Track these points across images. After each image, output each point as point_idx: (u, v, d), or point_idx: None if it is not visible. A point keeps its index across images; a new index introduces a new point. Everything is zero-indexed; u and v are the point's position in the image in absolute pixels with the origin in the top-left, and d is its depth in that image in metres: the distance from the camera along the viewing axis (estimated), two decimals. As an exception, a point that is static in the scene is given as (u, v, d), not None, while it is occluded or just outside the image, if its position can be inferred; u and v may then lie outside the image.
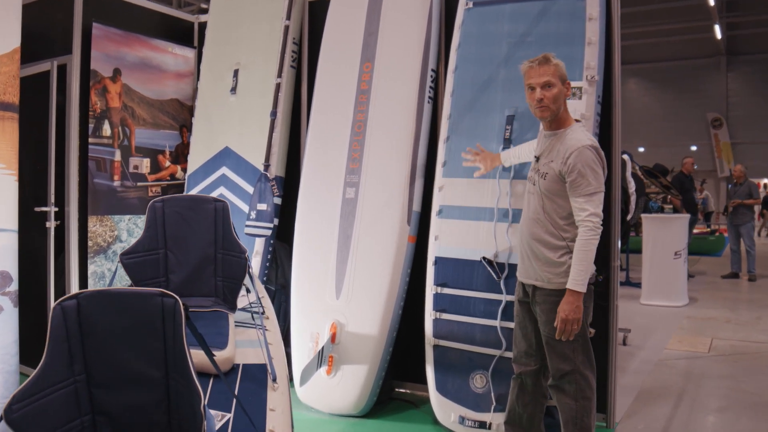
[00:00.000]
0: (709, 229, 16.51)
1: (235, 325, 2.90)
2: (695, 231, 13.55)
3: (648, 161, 14.24)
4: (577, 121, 2.98)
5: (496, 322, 3.43)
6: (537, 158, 2.89)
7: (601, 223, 2.70)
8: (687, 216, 8.43)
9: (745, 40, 26.10)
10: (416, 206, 3.92)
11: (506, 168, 3.51)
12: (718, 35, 23.76)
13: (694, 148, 26.76)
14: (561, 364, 2.81)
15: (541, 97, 2.77)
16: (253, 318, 2.87)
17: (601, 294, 3.69)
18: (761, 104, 25.89)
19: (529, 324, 2.96)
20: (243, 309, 3.10)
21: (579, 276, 2.69)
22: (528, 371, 2.99)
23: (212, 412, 2.14)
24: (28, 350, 3.73)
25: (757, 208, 13.96)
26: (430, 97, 4.02)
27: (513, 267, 3.30)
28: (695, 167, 10.63)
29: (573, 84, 3.42)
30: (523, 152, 3.32)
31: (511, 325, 3.24)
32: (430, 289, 3.67)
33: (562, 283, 2.75)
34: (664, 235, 7.96)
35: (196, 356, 2.23)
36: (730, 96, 26.90)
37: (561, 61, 2.85)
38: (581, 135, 2.80)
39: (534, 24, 3.61)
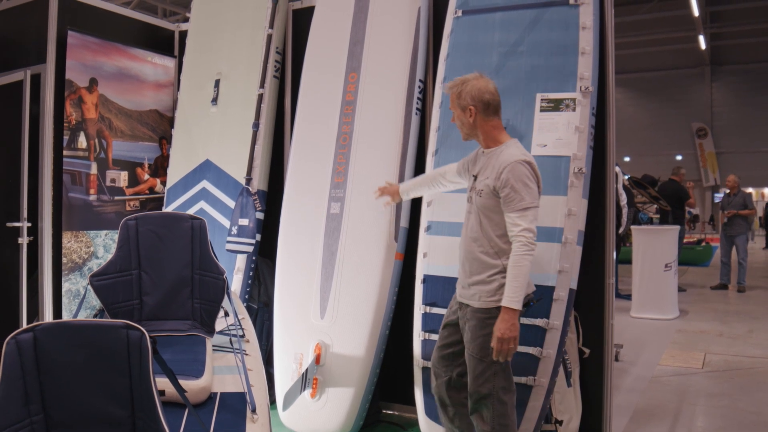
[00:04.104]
0: (695, 239, 16.51)
1: (213, 350, 2.76)
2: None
3: (633, 171, 14.23)
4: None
5: (488, 343, 3.29)
6: (475, 177, 2.87)
7: (534, 239, 2.65)
8: (677, 228, 8.36)
9: (729, 51, 26.36)
10: (404, 222, 3.78)
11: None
12: (703, 45, 23.96)
13: (679, 157, 26.91)
14: (479, 386, 2.75)
15: (454, 120, 2.90)
16: (231, 342, 2.73)
17: (596, 310, 3.58)
18: (745, 114, 26.13)
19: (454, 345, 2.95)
20: (222, 332, 2.95)
21: (513, 293, 2.62)
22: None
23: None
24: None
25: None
26: (417, 109, 3.89)
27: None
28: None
29: (567, 95, 3.32)
30: (423, 181, 3.37)
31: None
32: (419, 309, 3.53)
33: (490, 302, 2.71)
34: (655, 247, 7.88)
35: (169, 386, 2.09)
36: (714, 106, 27.13)
37: (470, 83, 2.82)
38: (515, 150, 2.77)
39: (526, 33, 3.50)
